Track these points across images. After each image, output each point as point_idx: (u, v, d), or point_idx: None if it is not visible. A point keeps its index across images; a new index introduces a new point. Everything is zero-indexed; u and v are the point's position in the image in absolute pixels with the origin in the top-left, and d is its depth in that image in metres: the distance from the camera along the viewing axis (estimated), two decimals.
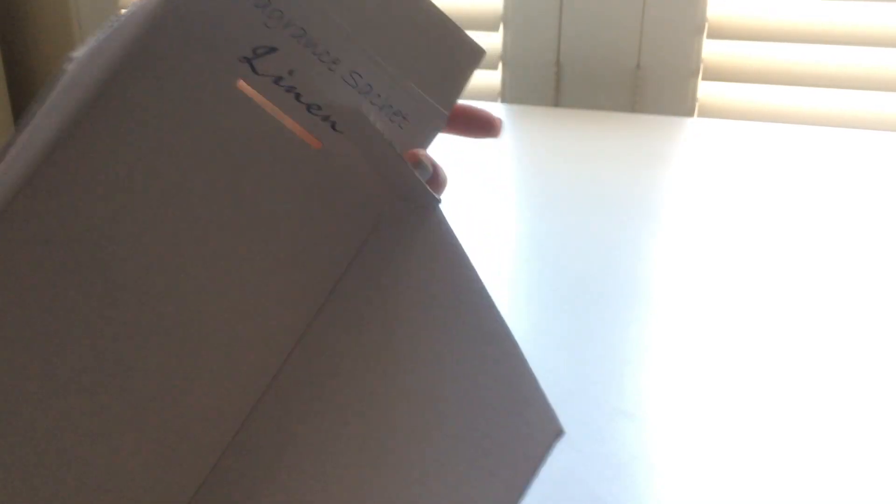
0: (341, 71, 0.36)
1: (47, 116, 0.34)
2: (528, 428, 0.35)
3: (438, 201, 0.38)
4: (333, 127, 0.37)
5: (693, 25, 1.16)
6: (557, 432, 0.35)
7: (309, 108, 0.36)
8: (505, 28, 1.23)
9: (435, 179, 0.41)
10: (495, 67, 1.25)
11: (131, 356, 0.36)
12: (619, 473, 0.47)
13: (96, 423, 0.36)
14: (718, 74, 1.17)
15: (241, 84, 0.35)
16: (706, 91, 1.19)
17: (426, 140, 0.40)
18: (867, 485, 0.46)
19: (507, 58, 1.24)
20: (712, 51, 1.17)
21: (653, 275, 0.69)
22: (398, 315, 0.38)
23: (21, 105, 1.56)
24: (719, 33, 1.15)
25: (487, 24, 1.22)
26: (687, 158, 0.95)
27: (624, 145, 1.00)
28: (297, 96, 0.36)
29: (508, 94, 1.26)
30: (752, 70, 1.15)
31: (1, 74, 1.48)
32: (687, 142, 1.01)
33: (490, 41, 1.25)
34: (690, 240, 0.75)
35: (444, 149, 1.03)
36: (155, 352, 0.36)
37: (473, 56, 0.39)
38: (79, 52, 0.36)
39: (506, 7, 1.22)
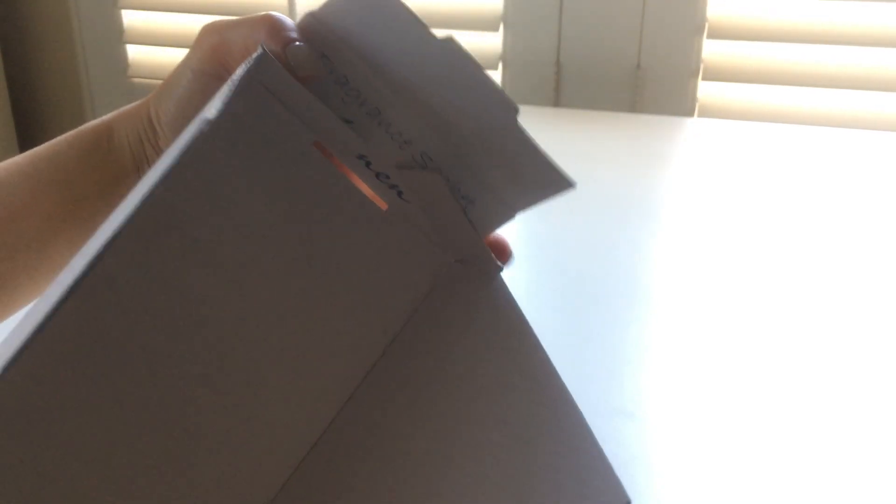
0: (412, 151, 0.37)
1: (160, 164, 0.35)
2: (596, 496, 0.35)
3: (501, 269, 0.40)
4: (400, 195, 0.38)
5: (693, 25, 1.15)
6: (625, 502, 0.35)
7: (378, 175, 0.38)
8: (505, 28, 1.23)
9: (504, 251, 0.42)
10: (495, 67, 1.25)
11: (215, 402, 0.37)
12: (620, 473, 0.47)
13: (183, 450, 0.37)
14: (718, 74, 1.17)
15: (318, 144, 0.36)
16: (706, 91, 1.19)
17: (488, 229, 0.41)
18: (867, 485, 0.46)
19: (507, 58, 1.24)
20: (712, 51, 1.17)
21: (652, 275, 0.69)
22: (453, 374, 0.38)
23: (21, 105, 1.56)
24: (719, 33, 1.14)
25: (487, 24, 1.22)
26: (687, 158, 0.95)
27: (624, 145, 1.00)
28: (368, 164, 0.37)
29: (508, 93, 1.26)
30: (751, 70, 1.15)
31: (1, 74, 1.48)
32: (687, 142, 1.01)
33: (490, 41, 1.25)
34: (690, 240, 0.75)
35: None
36: (233, 397, 0.37)
37: (557, 186, 0.39)
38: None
39: (506, 7, 1.22)
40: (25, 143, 1.57)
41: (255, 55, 0.34)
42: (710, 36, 1.15)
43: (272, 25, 0.37)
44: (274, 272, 0.37)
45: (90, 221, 0.41)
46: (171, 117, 0.40)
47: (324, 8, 0.35)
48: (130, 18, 1.42)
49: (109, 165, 0.41)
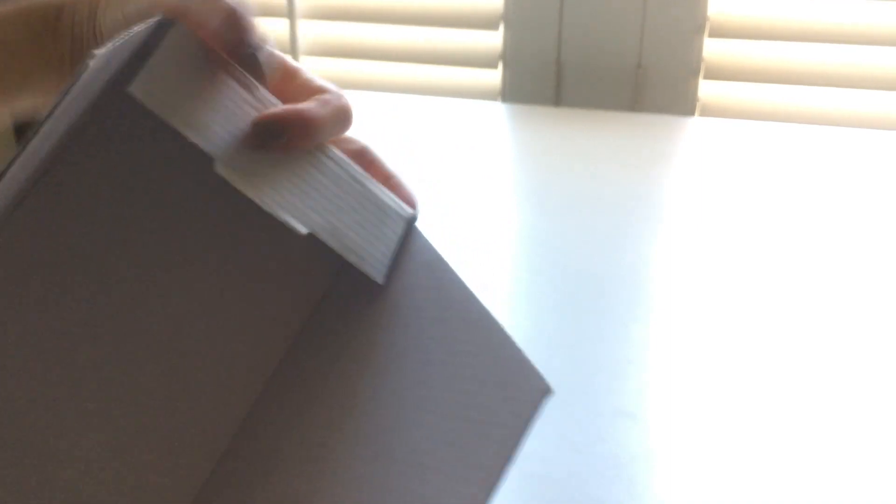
0: None
1: (58, 120, 0.35)
2: (516, 390, 0.35)
3: (415, 218, 0.40)
4: None
5: (694, 24, 1.15)
6: (545, 391, 0.35)
7: None
8: (505, 28, 1.23)
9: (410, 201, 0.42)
10: (496, 66, 1.24)
11: (136, 372, 0.38)
12: (619, 473, 0.47)
13: (102, 428, 0.38)
14: (720, 73, 1.16)
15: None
16: (707, 90, 1.19)
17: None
18: (867, 485, 0.46)
19: (508, 58, 1.24)
20: (713, 50, 1.17)
21: (653, 275, 0.69)
22: (382, 317, 0.39)
23: None
24: (720, 32, 1.14)
25: (487, 24, 1.22)
26: (688, 158, 0.95)
27: (625, 145, 1.00)
28: None
29: (508, 93, 1.26)
30: (753, 69, 1.15)
31: None
32: (688, 141, 1.01)
33: (490, 40, 1.24)
34: (691, 239, 0.75)
35: (445, 148, 1.04)
36: (155, 366, 0.38)
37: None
38: (101, 50, 0.37)
39: (506, 6, 1.22)
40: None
41: (152, 24, 0.33)
42: (712, 35, 1.15)
43: (236, 20, 0.35)
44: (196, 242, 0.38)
45: (12, 100, 0.42)
46: (111, 29, 0.40)
47: None
48: None
49: (51, 48, 0.41)
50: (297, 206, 0.37)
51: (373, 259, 0.39)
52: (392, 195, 0.40)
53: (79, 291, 0.37)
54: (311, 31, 1.32)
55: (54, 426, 0.37)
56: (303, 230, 0.37)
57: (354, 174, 0.39)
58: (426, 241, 0.39)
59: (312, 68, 1.34)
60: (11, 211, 0.32)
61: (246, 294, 0.40)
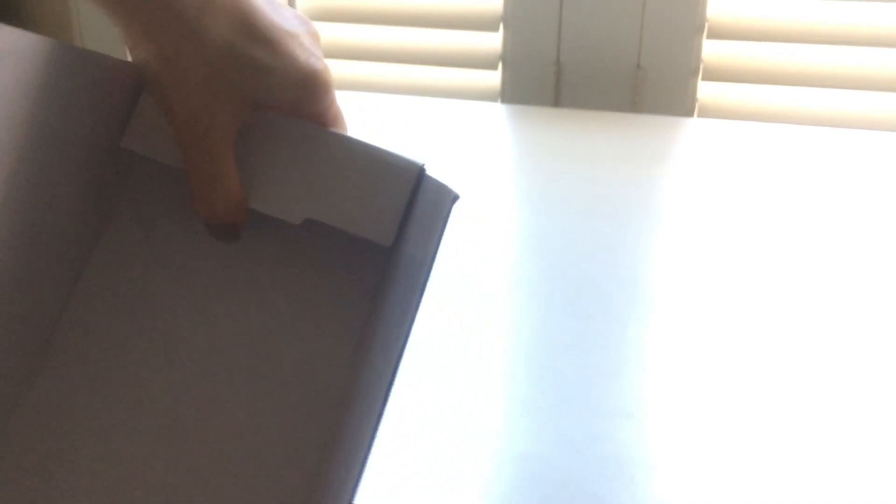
0: None
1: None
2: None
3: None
4: None
5: (693, 25, 1.16)
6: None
7: None
8: (505, 28, 1.23)
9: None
10: (495, 67, 1.25)
11: None
12: (619, 473, 0.47)
13: None
14: (718, 74, 1.17)
15: None
16: (706, 91, 1.19)
17: None
18: (867, 485, 0.46)
19: (507, 58, 1.24)
20: (712, 51, 1.17)
21: (653, 275, 0.69)
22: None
23: None
24: (719, 33, 1.15)
25: (487, 24, 1.22)
26: (687, 159, 0.95)
27: (624, 145, 1.00)
28: None
29: (508, 94, 1.26)
30: (752, 70, 1.15)
31: None
32: (687, 142, 1.01)
33: (490, 41, 1.25)
34: (690, 240, 0.75)
35: (445, 149, 1.04)
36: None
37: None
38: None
39: (506, 7, 1.22)
40: None
41: None
42: (711, 36, 1.15)
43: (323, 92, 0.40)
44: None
45: None
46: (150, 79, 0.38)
47: None
48: None
49: None
50: (289, 195, 0.38)
51: (376, 224, 0.38)
52: (397, 153, 0.39)
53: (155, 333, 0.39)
54: None
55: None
56: (296, 220, 0.38)
57: (346, 144, 0.39)
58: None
59: None
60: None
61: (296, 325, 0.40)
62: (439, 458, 0.48)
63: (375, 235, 0.38)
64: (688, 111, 1.20)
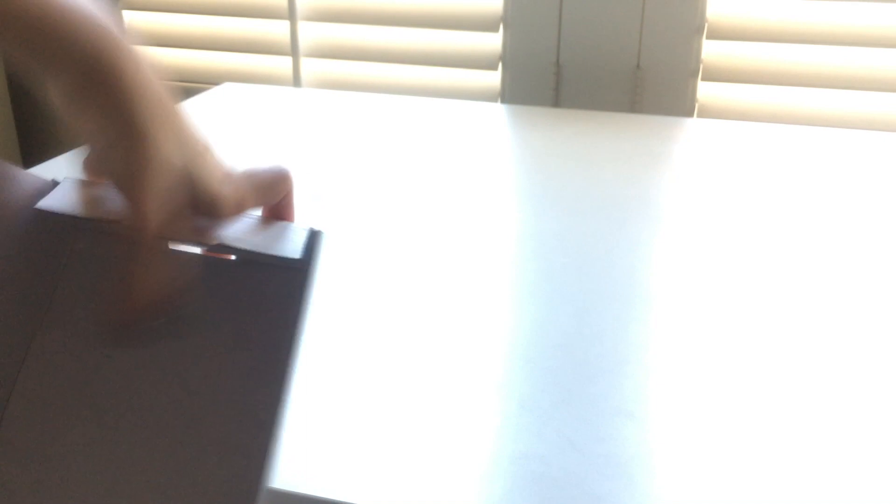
0: None
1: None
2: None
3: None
4: None
5: (693, 26, 1.16)
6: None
7: None
8: (505, 28, 1.23)
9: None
10: (495, 68, 1.25)
11: None
12: (619, 473, 0.47)
13: None
14: (718, 75, 1.17)
15: None
16: (706, 91, 1.19)
17: None
18: (867, 485, 0.46)
19: (507, 58, 1.25)
20: (712, 51, 1.17)
21: (653, 275, 0.69)
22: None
23: (22, 104, 1.57)
24: (719, 34, 1.15)
25: (487, 25, 1.22)
26: (686, 159, 0.96)
27: (624, 146, 1.00)
28: None
29: (508, 94, 1.27)
30: (751, 70, 1.15)
31: (1, 73, 1.48)
32: (686, 142, 1.01)
33: (490, 41, 1.25)
34: (690, 240, 0.75)
35: (445, 150, 1.04)
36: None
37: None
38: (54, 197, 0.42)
39: (506, 7, 1.22)
40: (26, 142, 1.57)
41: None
42: (710, 36, 1.15)
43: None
44: None
45: None
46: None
47: None
48: (131, 18, 1.42)
49: None
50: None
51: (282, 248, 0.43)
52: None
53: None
54: (311, 33, 1.33)
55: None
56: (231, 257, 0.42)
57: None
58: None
59: (313, 70, 1.34)
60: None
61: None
62: (439, 458, 0.48)
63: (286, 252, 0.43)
64: (687, 111, 1.20)
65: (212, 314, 0.41)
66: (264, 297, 0.41)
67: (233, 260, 0.43)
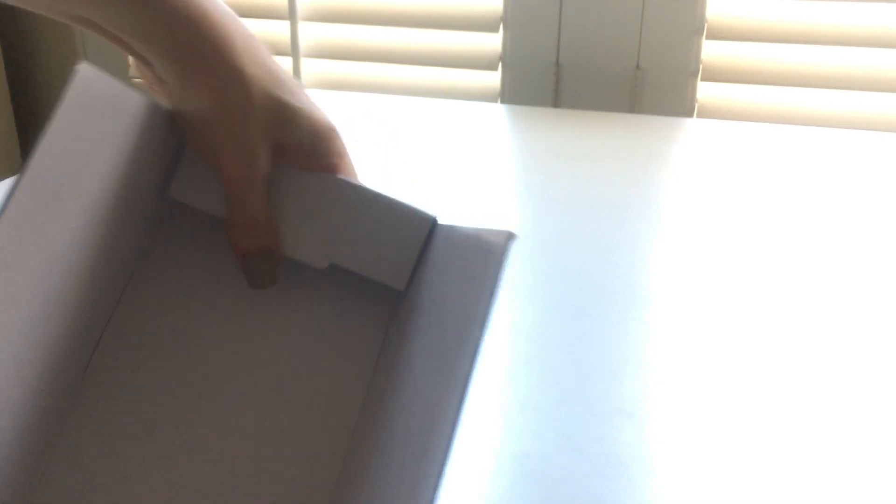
0: None
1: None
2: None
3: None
4: None
5: (692, 26, 1.16)
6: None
7: None
8: (505, 28, 1.23)
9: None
10: (495, 68, 1.25)
11: None
12: (619, 473, 0.47)
13: None
14: (718, 75, 1.17)
15: None
16: (706, 92, 1.19)
17: None
18: (867, 485, 0.46)
19: (507, 58, 1.25)
20: (712, 52, 1.17)
21: (652, 275, 0.69)
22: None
23: (22, 105, 1.57)
24: (719, 34, 1.15)
25: (487, 25, 1.22)
26: (686, 159, 0.96)
27: (623, 146, 1.00)
28: None
29: (508, 94, 1.27)
30: (751, 71, 1.15)
31: (2, 74, 1.49)
32: (686, 142, 1.01)
33: (490, 42, 1.25)
34: (690, 240, 0.75)
35: (445, 150, 1.04)
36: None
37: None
38: (88, 69, 0.38)
39: (506, 7, 1.22)
40: (27, 143, 1.57)
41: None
42: (710, 37, 1.15)
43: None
44: None
45: None
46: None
47: None
48: None
49: None
50: (314, 241, 0.41)
51: (391, 269, 0.42)
52: (411, 204, 0.42)
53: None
54: (311, 33, 1.33)
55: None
56: (322, 265, 0.41)
57: (365, 194, 0.42)
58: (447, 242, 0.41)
59: (313, 70, 1.35)
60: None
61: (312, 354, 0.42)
62: None
63: (390, 279, 0.42)
64: (687, 112, 1.20)
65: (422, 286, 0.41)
66: (466, 273, 0.40)
67: (444, 226, 0.42)
